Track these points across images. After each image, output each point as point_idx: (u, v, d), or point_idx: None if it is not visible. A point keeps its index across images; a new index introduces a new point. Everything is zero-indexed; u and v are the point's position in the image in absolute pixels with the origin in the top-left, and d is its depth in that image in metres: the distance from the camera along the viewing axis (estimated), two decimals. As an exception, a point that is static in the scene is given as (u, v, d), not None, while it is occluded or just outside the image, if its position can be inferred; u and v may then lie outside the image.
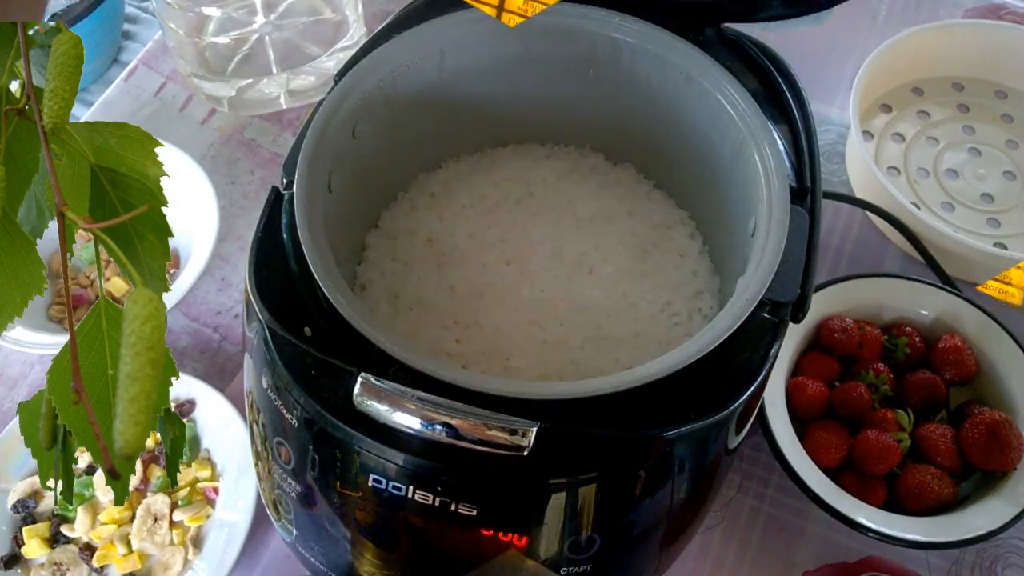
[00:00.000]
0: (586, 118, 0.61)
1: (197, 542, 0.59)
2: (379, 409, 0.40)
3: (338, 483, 0.42)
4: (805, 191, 0.49)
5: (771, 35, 0.85)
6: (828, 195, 0.72)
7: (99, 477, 0.61)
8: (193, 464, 0.61)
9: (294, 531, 0.48)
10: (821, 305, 0.63)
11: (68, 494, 0.45)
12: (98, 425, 0.28)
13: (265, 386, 0.43)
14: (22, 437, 0.43)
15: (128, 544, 0.58)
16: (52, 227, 0.38)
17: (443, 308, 0.56)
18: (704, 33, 0.55)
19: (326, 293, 0.43)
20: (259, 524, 0.59)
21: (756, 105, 0.51)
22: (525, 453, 0.39)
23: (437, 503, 0.40)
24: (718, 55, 0.54)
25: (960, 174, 0.75)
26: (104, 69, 1.42)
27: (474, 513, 0.40)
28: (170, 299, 0.63)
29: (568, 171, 0.63)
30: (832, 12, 0.87)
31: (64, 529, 0.59)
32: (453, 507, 0.40)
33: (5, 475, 0.61)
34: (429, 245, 0.59)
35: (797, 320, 0.45)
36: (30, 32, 0.40)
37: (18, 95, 0.39)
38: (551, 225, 0.60)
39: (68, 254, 0.37)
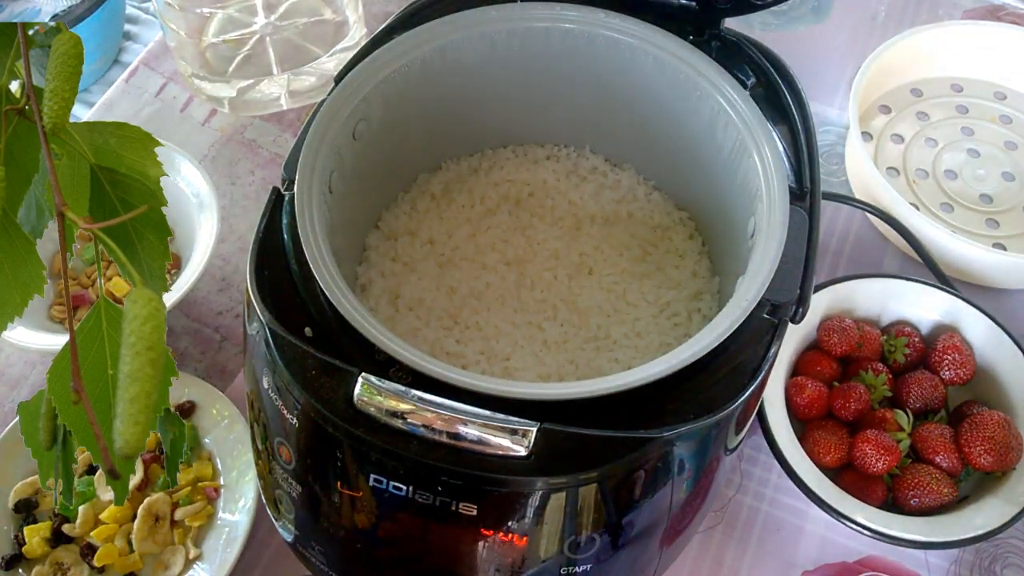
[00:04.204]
0: (586, 119, 0.62)
1: (198, 542, 0.59)
2: (379, 409, 0.40)
3: (338, 483, 0.42)
4: (804, 192, 0.49)
5: (771, 36, 0.85)
6: (827, 196, 0.72)
7: (100, 476, 0.61)
8: (194, 464, 0.61)
9: (294, 531, 0.48)
10: (820, 306, 0.63)
11: (68, 494, 0.45)
12: (98, 425, 0.28)
13: (266, 386, 0.44)
14: (23, 437, 0.43)
15: (129, 544, 0.59)
16: (52, 227, 0.38)
17: (443, 309, 0.56)
18: (704, 34, 0.55)
19: (327, 293, 0.43)
20: (259, 524, 0.59)
21: (755, 106, 0.51)
22: (525, 453, 0.39)
23: (437, 503, 0.40)
24: (718, 56, 0.54)
25: (959, 175, 0.75)
26: (105, 70, 1.42)
27: (474, 513, 0.40)
28: (170, 299, 0.63)
29: (568, 172, 0.63)
30: (832, 12, 0.87)
31: (65, 528, 0.59)
32: (453, 507, 0.40)
33: (6, 475, 0.61)
34: (429, 246, 0.59)
35: (796, 321, 0.45)
36: (30, 32, 0.40)
37: (18, 95, 0.39)
38: (551, 226, 0.61)
39: (68, 254, 0.37)
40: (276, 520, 0.50)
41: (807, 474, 0.56)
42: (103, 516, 0.59)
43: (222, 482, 0.61)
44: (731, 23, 0.56)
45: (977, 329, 0.63)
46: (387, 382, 0.40)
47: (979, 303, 0.63)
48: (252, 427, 0.49)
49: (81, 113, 1.06)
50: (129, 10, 1.50)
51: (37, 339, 0.63)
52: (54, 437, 0.42)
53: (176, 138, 0.77)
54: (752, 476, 0.62)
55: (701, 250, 0.60)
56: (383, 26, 0.55)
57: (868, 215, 0.72)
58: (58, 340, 0.63)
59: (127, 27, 1.49)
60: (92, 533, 0.59)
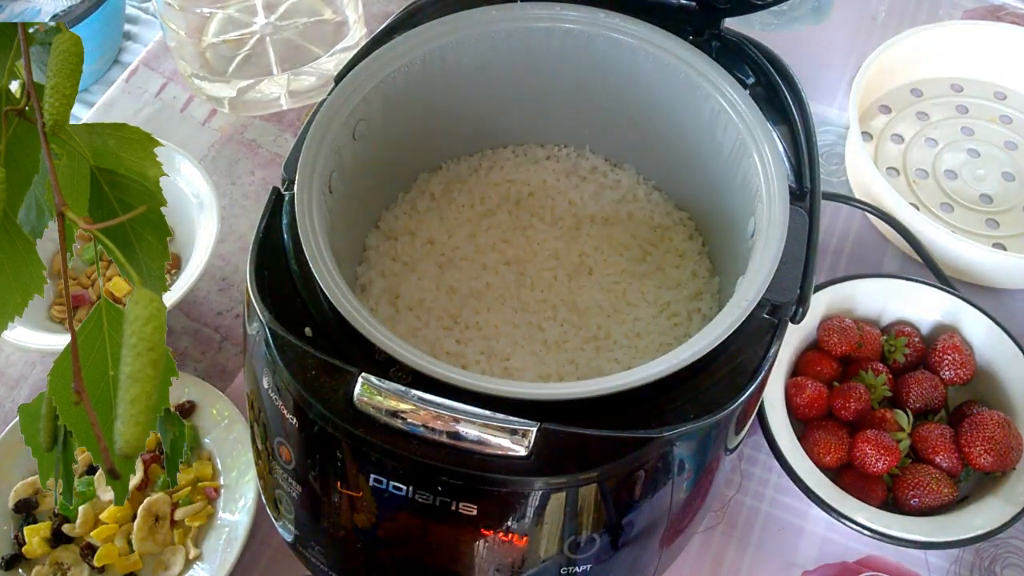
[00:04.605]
0: (586, 119, 0.62)
1: (198, 542, 0.59)
2: (379, 409, 0.40)
3: (338, 483, 0.42)
4: (804, 192, 0.49)
5: (771, 36, 0.85)
6: (827, 196, 0.72)
7: (100, 477, 0.61)
8: (194, 464, 0.61)
9: (294, 531, 0.48)
10: (820, 306, 0.63)
11: (68, 494, 0.45)
12: (99, 425, 0.28)
13: (266, 386, 0.44)
14: (23, 437, 0.43)
15: (129, 544, 0.59)
16: (52, 227, 0.38)
17: (443, 308, 0.56)
18: (704, 34, 0.55)
19: (326, 293, 0.43)
20: (259, 524, 0.59)
21: (755, 106, 0.51)
22: (525, 453, 0.39)
23: (437, 503, 0.40)
24: (718, 56, 0.54)
25: (959, 175, 0.75)
26: (105, 70, 1.42)
27: (474, 513, 0.40)
28: (170, 299, 0.63)
29: (568, 172, 0.63)
30: (832, 12, 0.87)
31: (65, 529, 0.59)
32: (453, 507, 0.40)
33: (6, 475, 0.61)
34: (429, 246, 0.59)
35: (796, 320, 0.45)
36: (30, 31, 0.40)
37: (18, 95, 0.39)
38: (551, 226, 0.61)
39: (68, 254, 0.37)
40: (276, 520, 0.50)
41: (807, 474, 0.56)
42: (103, 516, 0.59)
43: (222, 482, 0.61)
44: (731, 23, 0.56)
45: (977, 329, 0.63)
46: (387, 382, 0.40)
47: (979, 303, 0.63)
48: (252, 427, 0.49)
49: (81, 113, 1.06)
50: (129, 10, 1.50)
51: (37, 339, 0.63)
52: (54, 437, 0.42)
53: (176, 138, 0.77)
54: (752, 476, 0.62)
55: (701, 250, 0.60)
56: (383, 26, 0.55)
57: (868, 215, 0.72)
58: (58, 340, 0.63)
59: (127, 27, 1.49)
60: (92, 533, 0.59)
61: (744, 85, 0.53)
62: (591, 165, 0.63)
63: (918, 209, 0.71)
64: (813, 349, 0.63)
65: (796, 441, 0.58)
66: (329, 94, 0.51)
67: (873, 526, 0.55)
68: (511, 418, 0.39)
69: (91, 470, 0.62)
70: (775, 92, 0.54)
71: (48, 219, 0.42)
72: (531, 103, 0.61)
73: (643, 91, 0.57)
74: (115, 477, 0.28)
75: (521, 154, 0.64)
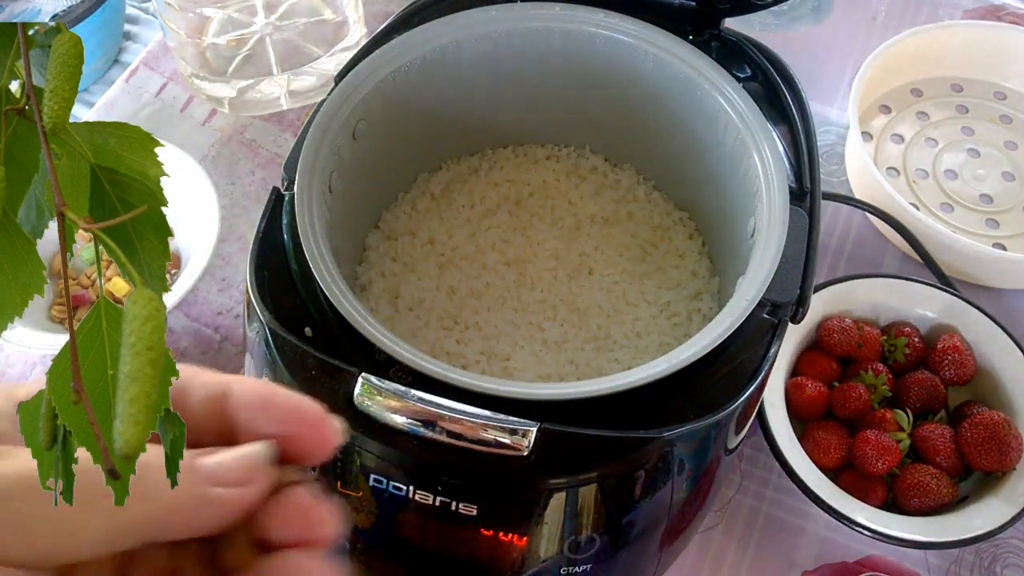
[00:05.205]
0: (586, 119, 0.62)
1: (197, 542, 0.59)
2: (379, 409, 0.40)
3: (338, 483, 0.42)
4: (804, 192, 0.49)
5: (771, 36, 0.85)
6: (827, 196, 0.72)
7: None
8: (193, 464, 0.61)
9: (294, 531, 0.48)
10: (820, 305, 0.63)
11: (68, 494, 0.45)
12: (98, 425, 0.28)
13: (265, 386, 0.43)
14: (22, 437, 0.43)
15: (128, 544, 0.58)
16: (52, 227, 0.38)
17: (443, 308, 0.56)
18: (704, 34, 0.55)
19: (327, 293, 0.43)
20: (259, 524, 0.59)
21: (756, 106, 0.51)
22: (525, 453, 0.39)
23: (437, 503, 0.40)
24: (718, 56, 0.54)
25: (959, 175, 0.75)
26: (105, 70, 1.42)
27: (474, 513, 0.40)
28: (171, 300, 0.63)
29: (568, 172, 0.63)
30: (832, 12, 0.87)
31: (64, 529, 0.59)
32: (453, 507, 0.40)
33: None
34: (429, 246, 0.59)
35: (796, 320, 0.45)
36: (30, 32, 0.40)
37: (18, 95, 0.39)
38: (551, 226, 0.60)
39: (68, 254, 0.37)
40: (276, 520, 0.50)
41: (807, 474, 0.56)
42: (103, 516, 0.59)
43: (222, 482, 0.61)
44: (731, 23, 0.56)
45: (977, 329, 0.63)
46: (387, 382, 0.40)
47: (979, 303, 0.63)
48: (252, 427, 0.49)
49: (81, 113, 1.06)
50: (129, 10, 1.50)
51: (37, 339, 0.63)
52: (54, 437, 0.42)
53: (176, 138, 0.77)
54: (752, 476, 0.62)
55: (701, 250, 0.60)
56: (383, 26, 0.55)
57: (868, 215, 0.72)
58: (58, 340, 0.63)
59: (127, 27, 1.49)
60: (92, 533, 0.58)
61: (744, 85, 0.53)
62: (591, 165, 0.63)
63: (918, 209, 0.71)
64: (813, 349, 0.63)
65: (796, 441, 0.58)
66: (329, 94, 0.51)
67: (873, 526, 0.55)
68: (511, 418, 0.39)
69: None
70: (775, 92, 0.54)
71: (48, 219, 0.42)
72: (531, 103, 0.61)
73: (643, 91, 0.56)
74: (115, 477, 0.28)
75: (521, 154, 0.64)
